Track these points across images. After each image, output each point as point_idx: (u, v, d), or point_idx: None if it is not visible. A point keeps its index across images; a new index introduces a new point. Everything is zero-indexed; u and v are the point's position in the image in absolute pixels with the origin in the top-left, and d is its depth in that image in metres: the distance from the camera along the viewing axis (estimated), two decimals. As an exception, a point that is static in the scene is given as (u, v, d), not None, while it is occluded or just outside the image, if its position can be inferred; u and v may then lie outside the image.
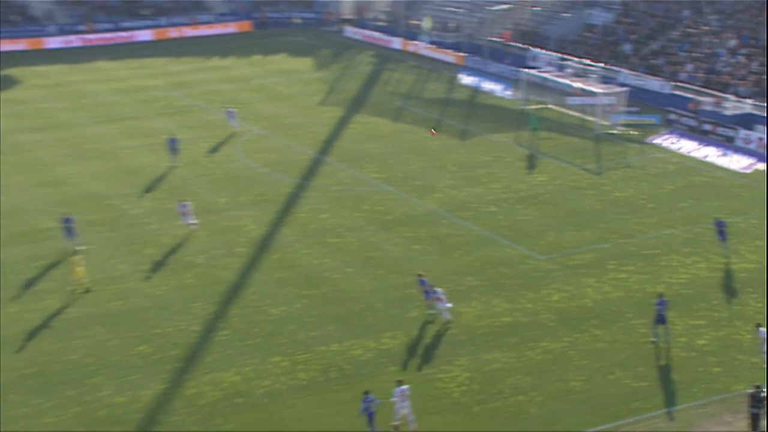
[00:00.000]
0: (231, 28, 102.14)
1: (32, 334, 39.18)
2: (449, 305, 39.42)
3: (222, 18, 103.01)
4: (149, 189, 55.46)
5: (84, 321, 40.40)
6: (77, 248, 45.36)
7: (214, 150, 62.46)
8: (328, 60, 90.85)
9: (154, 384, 35.75)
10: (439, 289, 39.54)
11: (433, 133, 64.63)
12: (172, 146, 58.89)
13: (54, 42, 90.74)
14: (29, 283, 43.49)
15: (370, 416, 31.70)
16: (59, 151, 61.66)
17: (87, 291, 42.90)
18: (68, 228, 46.39)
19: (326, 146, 64.04)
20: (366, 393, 31.97)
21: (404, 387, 32.36)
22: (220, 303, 41.93)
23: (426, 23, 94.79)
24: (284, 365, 36.94)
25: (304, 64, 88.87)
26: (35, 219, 50.69)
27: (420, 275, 41.16)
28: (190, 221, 48.69)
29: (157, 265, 45.54)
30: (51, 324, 40.03)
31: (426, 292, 40.14)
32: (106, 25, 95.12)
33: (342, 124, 69.37)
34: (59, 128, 66.50)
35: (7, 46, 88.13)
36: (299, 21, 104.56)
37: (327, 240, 48.58)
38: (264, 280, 44.16)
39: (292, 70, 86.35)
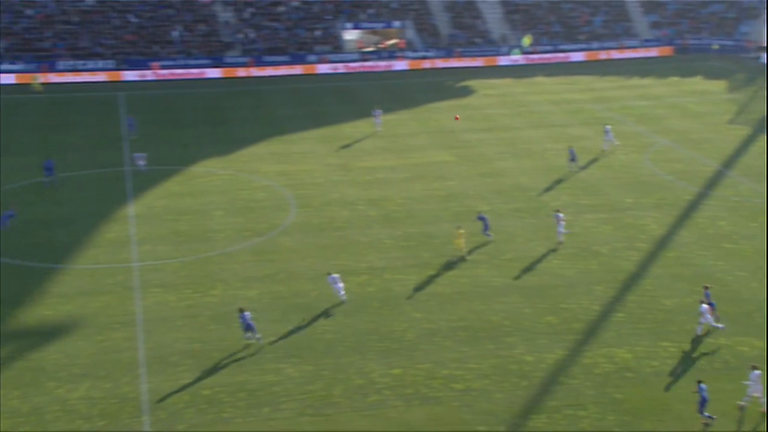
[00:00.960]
0: (653, 52, 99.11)
1: (464, 295, 41.15)
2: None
3: (646, 43, 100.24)
4: (567, 186, 55.62)
5: (505, 289, 41.66)
6: (459, 225, 46.51)
7: (626, 157, 61.08)
8: (742, 83, 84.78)
9: (558, 350, 36.05)
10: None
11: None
12: (572, 155, 58.52)
13: (504, 60, 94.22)
14: (464, 254, 45.56)
15: (702, 403, 30.43)
16: (499, 149, 63.77)
17: (463, 260, 44.09)
18: (482, 219, 47.14)
19: (730, 161, 60.01)
20: (698, 382, 30.85)
21: (758, 372, 30.95)
22: (618, 289, 41.16)
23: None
24: (672, 350, 35.50)
25: (717, 86, 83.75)
26: (473, 202, 52.97)
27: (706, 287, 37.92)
28: (562, 231, 46.74)
29: (568, 251, 45.65)
30: (479, 289, 41.75)
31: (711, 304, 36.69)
32: (547, 47, 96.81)
33: (748, 141, 64.55)
34: (501, 130, 68.78)
35: (469, 62, 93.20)
36: (717, 47, 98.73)
37: (722, 245, 45.68)
38: (659, 274, 42.58)
39: (705, 91, 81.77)
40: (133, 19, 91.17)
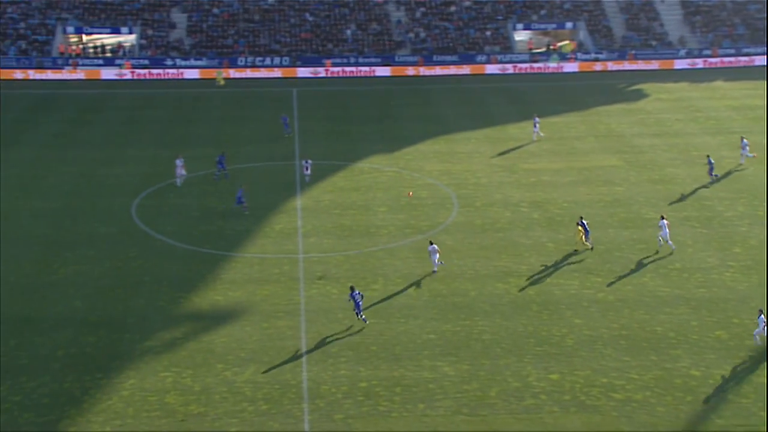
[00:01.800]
0: None
1: (628, 303, 39.87)
2: None
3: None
4: (745, 195, 52.73)
5: (672, 300, 40.05)
6: (582, 217, 45.69)
7: (813, 168, 57.21)
8: None
9: (727, 366, 34.31)
10: None
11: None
12: (710, 164, 55.50)
13: (681, 63, 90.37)
14: (629, 262, 44.14)
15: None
16: (670, 155, 61.35)
17: (575, 252, 43.62)
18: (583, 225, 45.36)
19: None
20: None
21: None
22: (798, 307, 38.59)
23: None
24: None
25: None
26: (642, 209, 51.19)
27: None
28: (663, 236, 44.73)
29: (742, 264, 43.30)
30: (644, 298, 40.33)
31: None
32: (729, 51, 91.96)
33: None
34: (673, 136, 66.12)
35: (643, 65, 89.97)
36: None
37: None
38: None
39: None
40: (310, 18, 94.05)
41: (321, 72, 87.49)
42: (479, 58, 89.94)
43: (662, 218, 45.52)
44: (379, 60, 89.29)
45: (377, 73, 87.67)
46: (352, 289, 37.94)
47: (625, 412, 31.77)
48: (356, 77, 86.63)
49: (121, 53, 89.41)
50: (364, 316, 37.79)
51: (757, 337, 35.62)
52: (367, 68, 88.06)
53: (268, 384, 33.79)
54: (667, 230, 44.79)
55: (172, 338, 37.15)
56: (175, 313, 39.30)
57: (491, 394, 33.04)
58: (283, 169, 58.25)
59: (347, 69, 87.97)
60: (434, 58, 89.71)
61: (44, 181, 55.61)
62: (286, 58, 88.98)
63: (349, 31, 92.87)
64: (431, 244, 43.11)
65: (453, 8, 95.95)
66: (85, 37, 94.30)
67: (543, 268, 43.55)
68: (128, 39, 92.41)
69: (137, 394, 33.13)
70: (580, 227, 44.93)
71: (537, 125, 64.89)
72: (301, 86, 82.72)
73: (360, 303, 37.45)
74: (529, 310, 39.34)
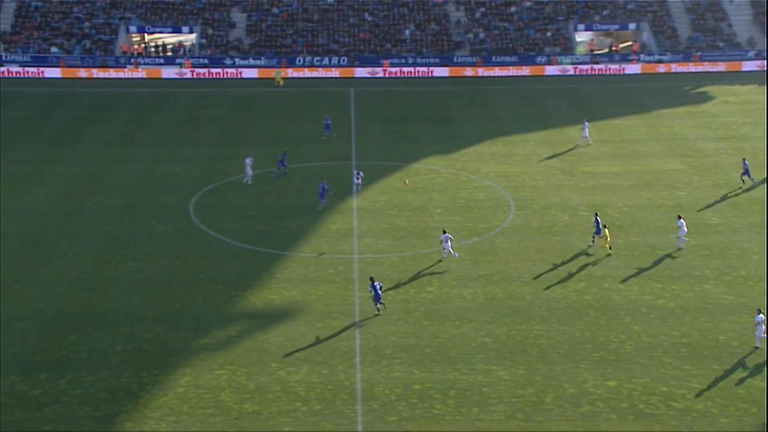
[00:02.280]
0: None
1: (689, 310, 39.12)
2: None
3: None
4: (814, 202, 51.39)
5: (735, 308, 39.19)
6: (606, 224, 45.57)
7: None
8: None
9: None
10: None
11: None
12: (746, 169, 54.44)
13: (750, 65, 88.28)
14: (691, 268, 43.27)
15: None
16: (736, 159, 59.99)
17: (608, 255, 43.97)
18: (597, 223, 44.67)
19: None
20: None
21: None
22: None
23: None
24: None
25: None
26: (705, 214, 50.16)
27: None
28: (683, 238, 44.87)
29: (811, 273, 42.12)
30: (706, 306, 39.51)
31: None
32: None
33: None
34: (739, 140, 64.68)
35: (709, 67, 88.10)
36: None
37: None
38: None
39: None
40: (368, 18, 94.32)
41: (379, 72, 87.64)
42: (539, 59, 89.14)
43: (679, 218, 44.95)
44: (437, 60, 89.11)
45: (435, 74, 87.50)
46: (372, 280, 39.16)
47: (685, 422, 31.13)
48: (414, 78, 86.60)
49: (181, 52, 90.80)
50: (379, 305, 38.90)
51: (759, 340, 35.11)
52: (425, 69, 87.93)
53: (321, 384, 33.92)
54: (685, 229, 44.77)
55: (227, 336, 37.55)
56: (230, 311, 39.71)
57: (547, 400, 32.67)
58: (339, 169, 58.47)
59: (405, 69, 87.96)
60: (493, 59, 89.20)
61: (106, 178, 56.72)
62: (344, 58, 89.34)
63: (407, 32, 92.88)
64: (444, 232, 43.91)
65: (513, 8, 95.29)
66: (147, 37, 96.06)
67: (601, 272, 42.93)
68: (189, 38, 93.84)
69: (192, 391, 33.54)
70: (609, 230, 44.60)
71: (587, 129, 63.91)
72: (358, 86, 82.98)
73: (380, 294, 38.65)
74: (587, 316, 38.83)
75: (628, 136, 65.68)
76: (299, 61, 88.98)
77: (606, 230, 44.80)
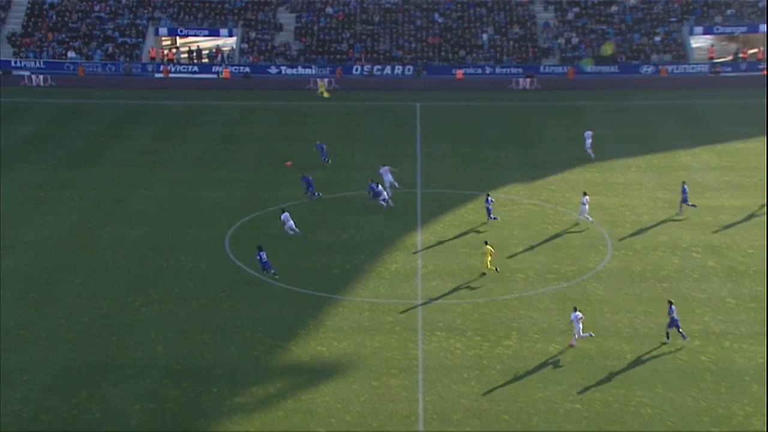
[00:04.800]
0: None
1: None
2: None
3: None
4: None
5: None
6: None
7: None
8: None
9: None
10: None
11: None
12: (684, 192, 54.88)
13: None
14: None
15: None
16: None
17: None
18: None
19: None
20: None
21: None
22: None
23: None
24: None
25: None
26: None
27: None
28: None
29: None
30: None
31: None
32: None
33: None
34: None
35: None
36: None
37: None
38: None
39: None
40: (439, 19, 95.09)
41: (450, 83, 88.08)
42: (644, 69, 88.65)
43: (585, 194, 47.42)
44: (520, 70, 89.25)
45: (518, 86, 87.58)
46: (259, 248, 46.65)
47: None
48: (492, 90, 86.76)
49: (218, 59, 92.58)
50: (273, 271, 46.81)
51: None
52: (505, 79, 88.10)
53: (376, 455, 33.88)
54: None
55: (266, 394, 37.81)
56: (270, 365, 39.99)
57: (650, 482, 32.13)
58: (400, 197, 58.75)
59: (481, 80, 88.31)
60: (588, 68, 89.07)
61: (126, 205, 57.87)
62: (410, 67, 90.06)
63: (485, 36, 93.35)
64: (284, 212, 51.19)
65: (614, 8, 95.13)
66: (179, 41, 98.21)
67: (720, 328, 42.20)
68: (227, 43, 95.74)
69: (223, 459, 33.79)
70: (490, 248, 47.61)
71: (589, 139, 64.58)
72: (425, 100, 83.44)
73: (268, 262, 46.56)
74: (702, 381, 38.19)
75: (754, 162, 64.76)
76: (356, 69, 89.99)
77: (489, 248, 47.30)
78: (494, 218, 54.32)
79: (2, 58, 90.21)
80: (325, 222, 55.32)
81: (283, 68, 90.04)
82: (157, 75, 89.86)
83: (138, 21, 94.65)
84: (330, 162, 65.38)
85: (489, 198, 54.82)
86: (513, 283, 47.06)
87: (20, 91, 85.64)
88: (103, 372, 39.25)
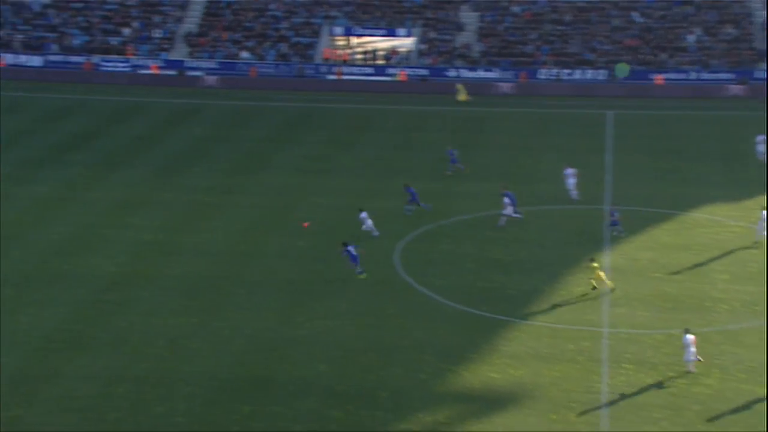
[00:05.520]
0: None
1: None
2: None
3: None
4: None
5: None
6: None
7: None
8: None
9: None
10: None
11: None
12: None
13: None
14: None
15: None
16: None
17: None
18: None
19: None
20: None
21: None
22: None
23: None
24: None
25: None
26: None
27: None
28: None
29: None
30: None
31: None
32: None
33: None
34: None
35: None
36: None
37: None
38: None
39: None
40: (638, 19, 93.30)
41: (649, 90, 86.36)
42: None
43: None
44: (731, 76, 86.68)
45: (728, 93, 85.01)
46: (345, 244, 47.94)
47: None
48: (698, 98, 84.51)
49: (394, 61, 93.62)
50: (360, 269, 48.30)
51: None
52: (713, 86, 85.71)
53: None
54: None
55: (433, 422, 37.76)
56: (438, 390, 39.93)
57: None
58: (586, 214, 57.83)
59: (685, 87, 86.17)
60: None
61: (294, 213, 59.02)
62: (602, 71, 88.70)
63: (691, 37, 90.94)
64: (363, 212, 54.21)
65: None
66: (354, 40, 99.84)
67: None
68: (404, 43, 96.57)
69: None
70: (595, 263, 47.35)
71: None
72: (619, 108, 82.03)
73: (357, 256, 48.03)
74: None
75: None
76: (542, 73, 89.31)
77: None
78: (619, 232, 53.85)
79: (177, 58, 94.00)
80: (502, 238, 55.02)
81: (462, 71, 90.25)
82: (330, 77, 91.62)
83: (313, 20, 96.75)
84: (466, 169, 65.46)
85: (614, 212, 54.69)
86: (715, 315, 45.52)
87: (193, 92, 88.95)
88: (265, 388, 40.05)
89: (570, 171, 60.49)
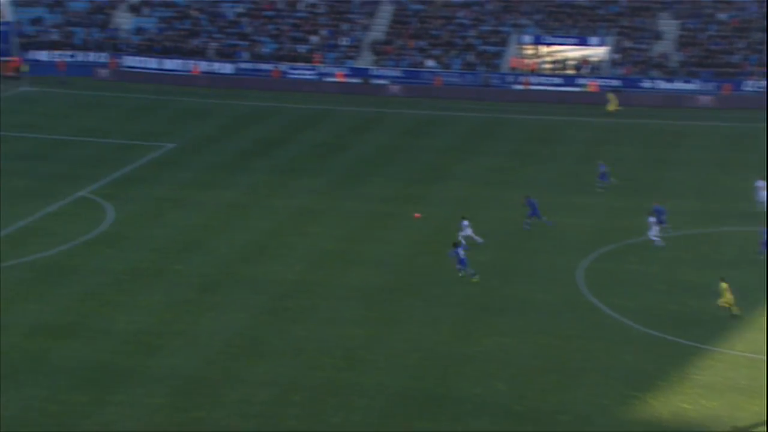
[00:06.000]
0: None
1: None
2: None
3: None
4: None
5: None
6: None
7: None
8: None
9: None
10: None
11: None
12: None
13: None
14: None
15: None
16: None
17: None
18: None
19: None
20: None
21: None
22: None
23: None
24: None
25: None
26: None
27: None
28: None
29: None
30: None
31: None
32: None
33: None
34: None
35: None
36: None
37: None
38: None
39: None
40: None
41: None
42: None
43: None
44: None
45: None
46: (455, 245, 49.04)
47: None
48: None
49: (585, 70, 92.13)
50: (470, 271, 48.82)
51: None
52: None
53: None
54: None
55: (617, 451, 36.62)
56: (623, 417, 38.68)
57: None
58: (746, 237, 55.47)
59: None
60: None
61: (473, 225, 58.46)
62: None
63: None
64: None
65: None
66: (543, 49, 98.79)
67: None
68: (596, 52, 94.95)
69: None
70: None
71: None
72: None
73: (464, 259, 48.51)
74: None
75: None
76: (747, 84, 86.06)
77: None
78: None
79: (363, 66, 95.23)
80: (695, 260, 53.24)
81: (658, 82, 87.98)
82: (516, 86, 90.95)
83: (501, 28, 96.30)
84: (615, 181, 64.36)
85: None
86: None
87: (377, 101, 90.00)
88: (439, 404, 39.62)
89: (761, 183, 58.96)
